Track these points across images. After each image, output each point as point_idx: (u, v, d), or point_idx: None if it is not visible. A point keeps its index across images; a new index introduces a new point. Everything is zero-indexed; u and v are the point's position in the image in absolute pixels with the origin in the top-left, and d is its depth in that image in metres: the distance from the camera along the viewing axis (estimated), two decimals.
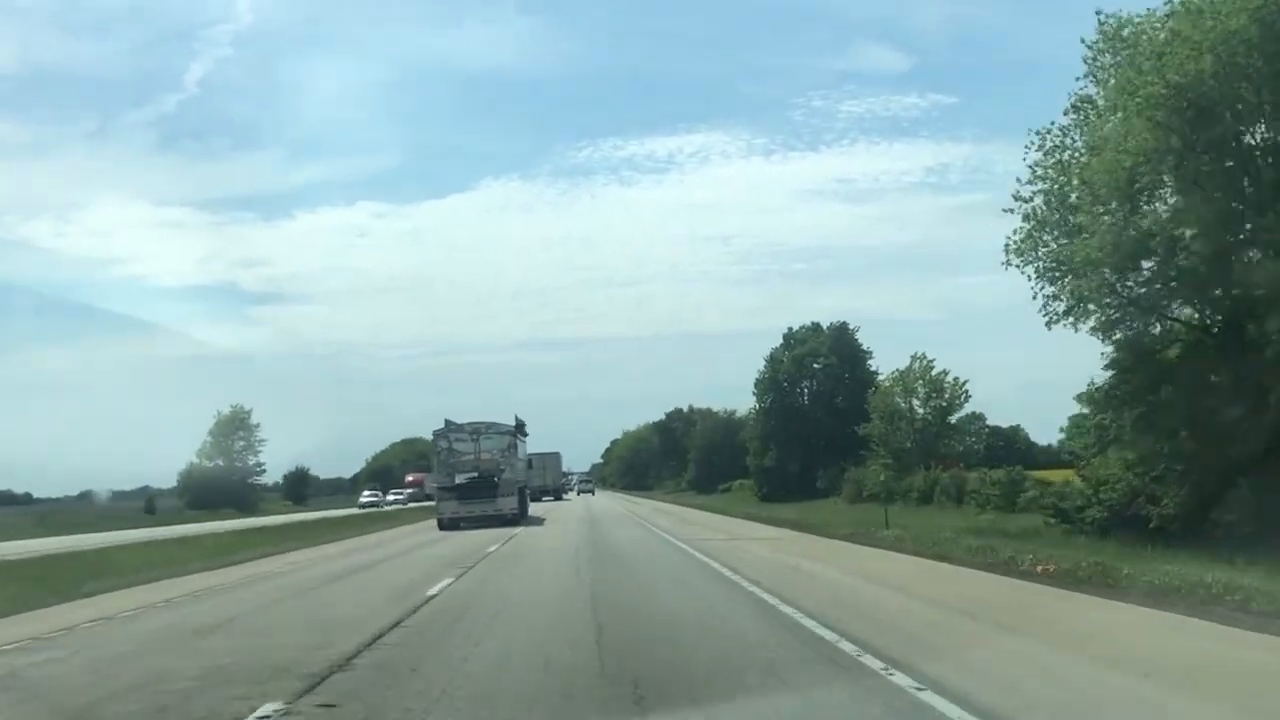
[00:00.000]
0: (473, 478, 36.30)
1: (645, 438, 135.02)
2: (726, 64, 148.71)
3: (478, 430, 37.52)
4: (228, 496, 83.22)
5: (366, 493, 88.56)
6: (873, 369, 57.58)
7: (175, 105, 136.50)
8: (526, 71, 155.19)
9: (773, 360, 58.41)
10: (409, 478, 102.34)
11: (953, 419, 42.17)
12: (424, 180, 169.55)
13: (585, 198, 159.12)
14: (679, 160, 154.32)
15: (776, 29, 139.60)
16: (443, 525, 35.16)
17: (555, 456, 79.16)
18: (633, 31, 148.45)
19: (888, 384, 42.92)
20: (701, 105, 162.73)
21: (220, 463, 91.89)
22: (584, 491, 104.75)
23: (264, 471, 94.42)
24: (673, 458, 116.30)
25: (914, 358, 42.40)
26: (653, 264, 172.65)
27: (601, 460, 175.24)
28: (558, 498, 74.92)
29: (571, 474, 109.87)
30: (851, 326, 58.12)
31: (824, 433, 55.96)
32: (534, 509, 47.98)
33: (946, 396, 41.36)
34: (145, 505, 75.83)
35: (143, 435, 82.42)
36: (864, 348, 57.82)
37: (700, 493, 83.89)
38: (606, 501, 74.36)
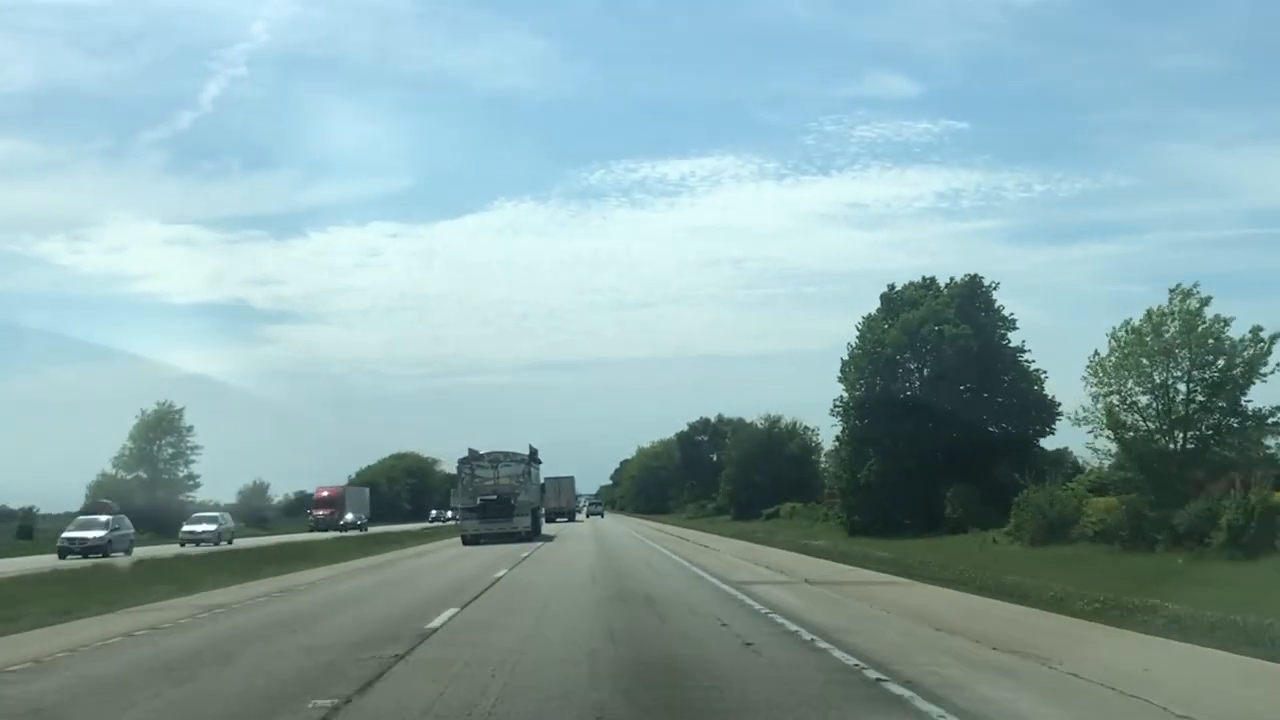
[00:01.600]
0: (491, 500, 40.76)
1: (662, 454, 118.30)
2: (739, 89, 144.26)
3: (496, 459, 42.15)
4: (148, 516, 65.24)
5: (204, 519, 54.33)
6: (1012, 344, 39.41)
7: (189, 124, 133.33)
8: (540, 94, 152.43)
9: (870, 329, 39.53)
10: (322, 492, 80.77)
11: (1246, 401, 23.25)
12: (437, 201, 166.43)
13: (597, 220, 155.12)
14: (691, 183, 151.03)
15: (789, 55, 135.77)
16: (466, 540, 39.59)
17: (570, 480, 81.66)
18: (646, 56, 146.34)
19: (1128, 338, 24.08)
20: (714, 129, 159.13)
21: (143, 474, 74.41)
22: (593, 514, 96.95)
23: (197, 485, 76.44)
24: (694, 476, 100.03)
25: (1173, 291, 23.89)
26: (663, 286, 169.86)
27: (612, 481, 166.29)
28: (570, 519, 76.78)
29: (581, 496, 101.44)
30: (988, 283, 39.53)
31: (948, 437, 37.75)
32: (548, 529, 51.45)
33: (1236, 363, 22.95)
34: (17, 529, 57.57)
35: None
36: (1005, 313, 39.05)
37: (739, 518, 66.55)
38: (622, 532, 56.63)
